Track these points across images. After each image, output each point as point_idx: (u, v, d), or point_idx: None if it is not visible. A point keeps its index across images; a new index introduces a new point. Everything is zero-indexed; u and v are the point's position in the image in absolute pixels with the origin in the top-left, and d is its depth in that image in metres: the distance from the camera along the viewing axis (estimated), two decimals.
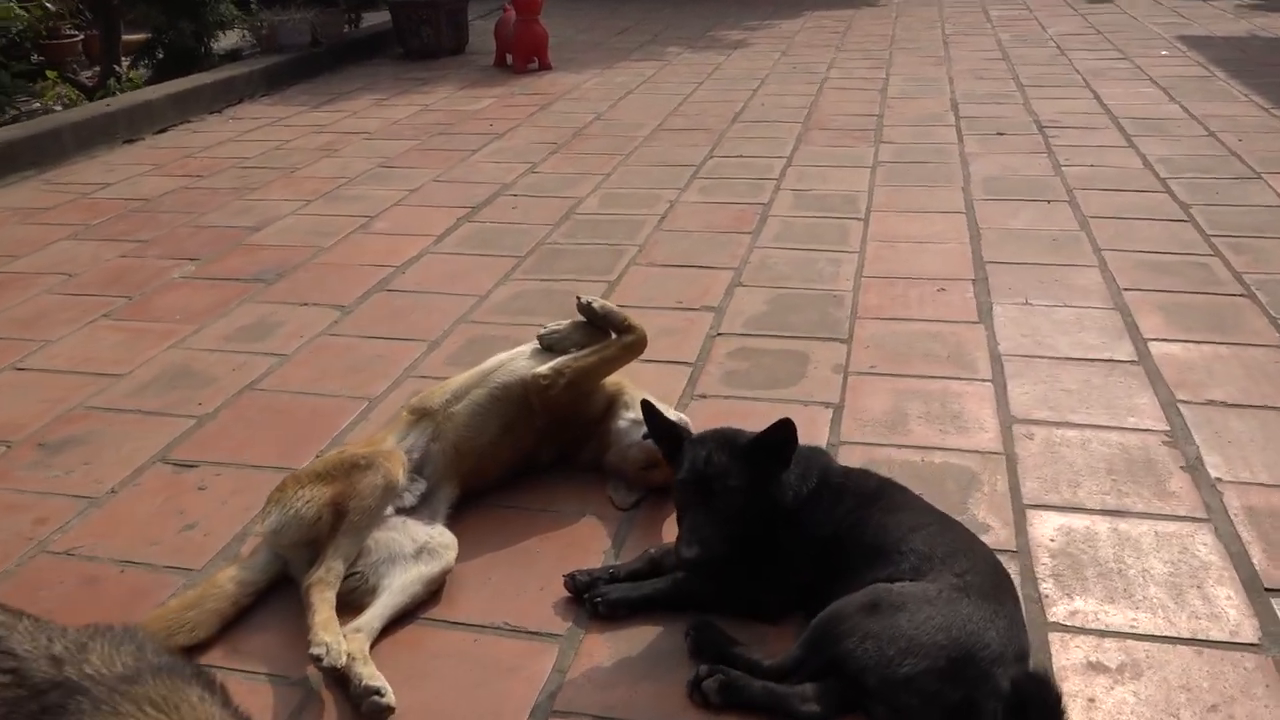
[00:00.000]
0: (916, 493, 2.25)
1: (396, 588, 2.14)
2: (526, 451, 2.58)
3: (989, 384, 3.04)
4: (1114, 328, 3.38)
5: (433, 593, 2.19)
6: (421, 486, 2.39)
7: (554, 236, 4.44)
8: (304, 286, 3.97)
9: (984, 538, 2.32)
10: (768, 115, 6.54)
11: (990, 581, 1.93)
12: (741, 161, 5.48)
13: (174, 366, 3.33)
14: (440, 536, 2.27)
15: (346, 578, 2.16)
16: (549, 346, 2.62)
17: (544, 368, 2.52)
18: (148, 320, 3.71)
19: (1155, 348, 3.23)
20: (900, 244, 4.21)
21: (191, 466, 2.74)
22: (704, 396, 3.03)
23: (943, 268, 3.94)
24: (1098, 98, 6.68)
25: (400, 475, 2.29)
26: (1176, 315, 3.45)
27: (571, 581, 2.19)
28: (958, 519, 2.37)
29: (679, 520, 2.11)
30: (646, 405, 2.26)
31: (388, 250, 4.32)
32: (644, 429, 2.45)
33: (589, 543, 2.38)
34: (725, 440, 2.15)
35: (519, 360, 2.59)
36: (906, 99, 6.86)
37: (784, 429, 2.09)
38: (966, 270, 3.91)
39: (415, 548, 2.23)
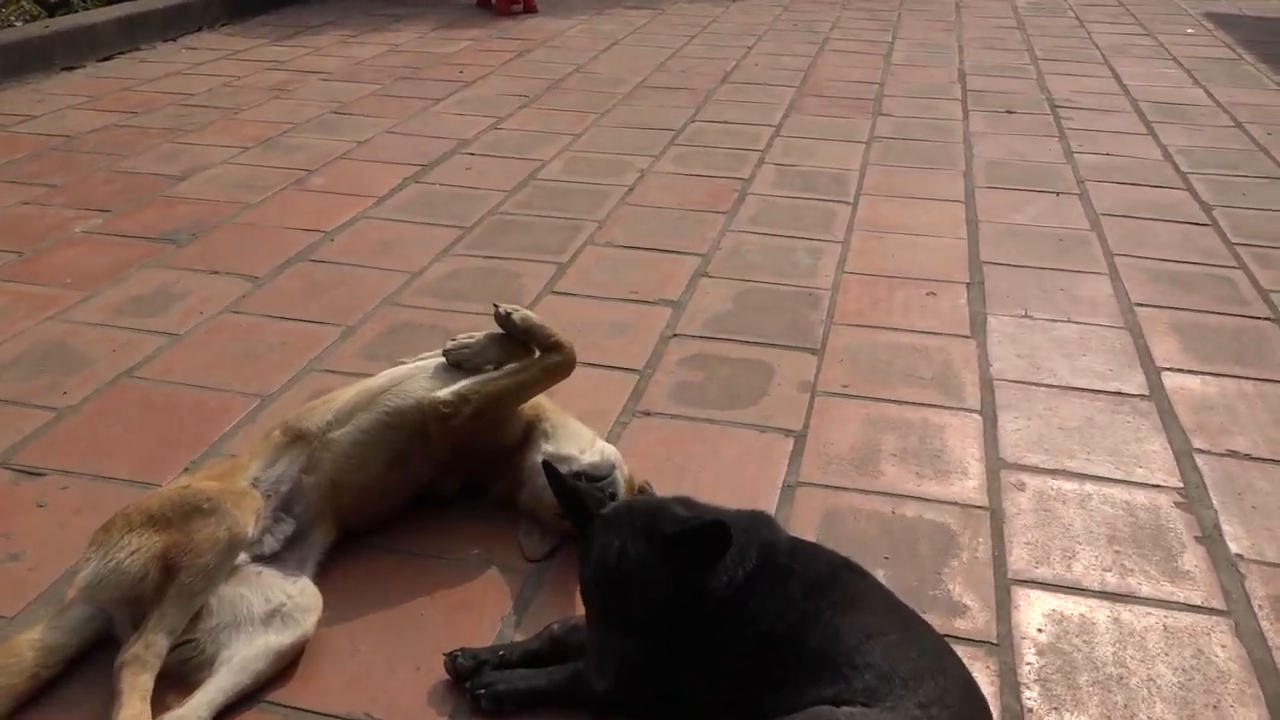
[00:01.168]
0: (878, 574, 1.85)
1: (237, 663, 1.75)
2: (421, 485, 2.17)
3: (976, 416, 2.64)
4: (1124, 351, 2.97)
5: (282, 669, 1.79)
6: (288, 528, 1.99)
7: (507, 205, 3.99)
8: (218, 250, 3.53)
9: (958, 622, 1.95)
10: (760, 77, 6.05)
11: (963, 716, 1.54)
12: (725, 128, 5.02)
13: (47, 343, 2.90)
14: (300, 596, 1.87)
15: (179, 645, 1.77)
16: (457, 364, 2.19)
17: (446, 392, 2.10)
18: (32, 283, 3.27)
19: (1169, 379, 2.82)
20: (890, 235, 3.78)
21: (37, 475, 2.33)
22: (648, 414, 2.62)
23: (934, 266, 3.52)
24: (1116, 76, 6.20)
25: (250, 526, 1.88)
26: (1195, 340, 3.04)
27: (452, 664, 1.80)
28: (932, 593, 1.99)
29: (587, 623, 1.72)
30: (546, 466, 1.85)
31: (320, 212, 3.88)
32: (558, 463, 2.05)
33: (486, 603, 1.98)
34: (644, 526, 1.71)
35: (418, 379, 2.16)
36: (912, 66, 6.37)
37: (716, 535, 1.67)
38: (961, 271, 3.49)
39: (267, 610, 1.83)
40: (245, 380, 2.72)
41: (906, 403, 2.69)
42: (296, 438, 2.09)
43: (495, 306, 2.23)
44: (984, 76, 6.15)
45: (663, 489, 2.14)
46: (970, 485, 2.36)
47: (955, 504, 2.29)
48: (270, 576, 1.89)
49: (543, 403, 2.25)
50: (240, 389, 2.68)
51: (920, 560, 2.12)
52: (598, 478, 2.05)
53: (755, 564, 1.75)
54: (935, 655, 1.64)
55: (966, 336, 3.05)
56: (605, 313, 3.13)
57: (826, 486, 2.35)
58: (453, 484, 2.20)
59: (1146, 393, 2.76)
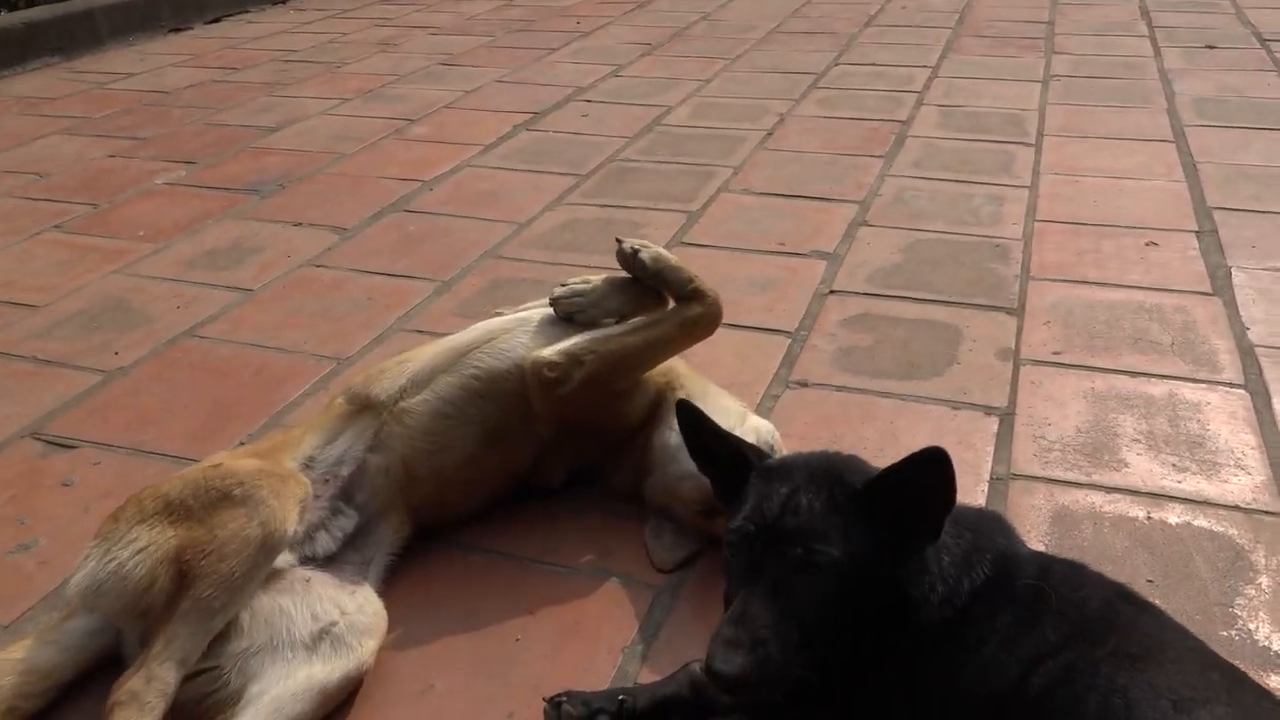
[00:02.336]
0: (1158, 603, 1.26)
1: (268, 704, 1.29)
2: (519, 473, 1.69)
3: (1242, 392, 2.01)
4: None
5: (327, 712, 1.32)
6: (349, 522, 1.53)
7: (628, 152, 3.49)
8: (304, 202, 3.13)
9: (1274, 679, 1.35)
10: (909, 19, 5.40)
11: None
12: (874, 71, 4.40)
13: (106, 299, 2.54)
14: (358, 614, 1.40)
15: (197, 675, 1.32)
16: (567, 316, 1.69)
17: (552, 350, 1.60)
18: (102, 235, 2.93)
19: None
20: (1086, 179, 3.13)
21: (68, 447, 1.94)
22: (804, 384, 2.08)
23: (1150, 213, 2.86)
24: None
25: (292, 521, 1.41)
26: None
27: (556, 713, 1.30)
28: (1224, 634, 1.41)
29: (726, 601, 1.18)
30: (684, 409, 1.33)
31: (420, 161, 3.45)
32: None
33: (603, 627, 1.48)
34: (825, 476, 1.21)
35: (518, 334, 1.66)
36: (1082, 5, 5.61)
37: (933, 465, 1.14)
38: (1185, 218, 2.82)
39: (314, 630, 1.36)
40: (321, 341, 2.29)
41: (1143, 374, 2.08)
42: (363, 407, 1.62)
43: (619, 242, 1.72)
44: (1171, 11, 5.35)
45: None
46: (1253, 484, 1.74)
47: (1237, 508, 1.68)
48: (322, 585, 1.43)
49: (677, 367, 1.74)
50: (314, 350, 2.25)
51: (1198, 586, 1.52)
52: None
53: (985, 579, 1.20)
54: None
55: (1208, 294, 2.40)
56: (746, 266, 2.60)
57: (1050, 480, 1.77)
58: (559, 470, 1.71)
59: None
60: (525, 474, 1.69)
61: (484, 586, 1.56)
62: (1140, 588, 1.50)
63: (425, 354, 1.67)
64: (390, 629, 1.47)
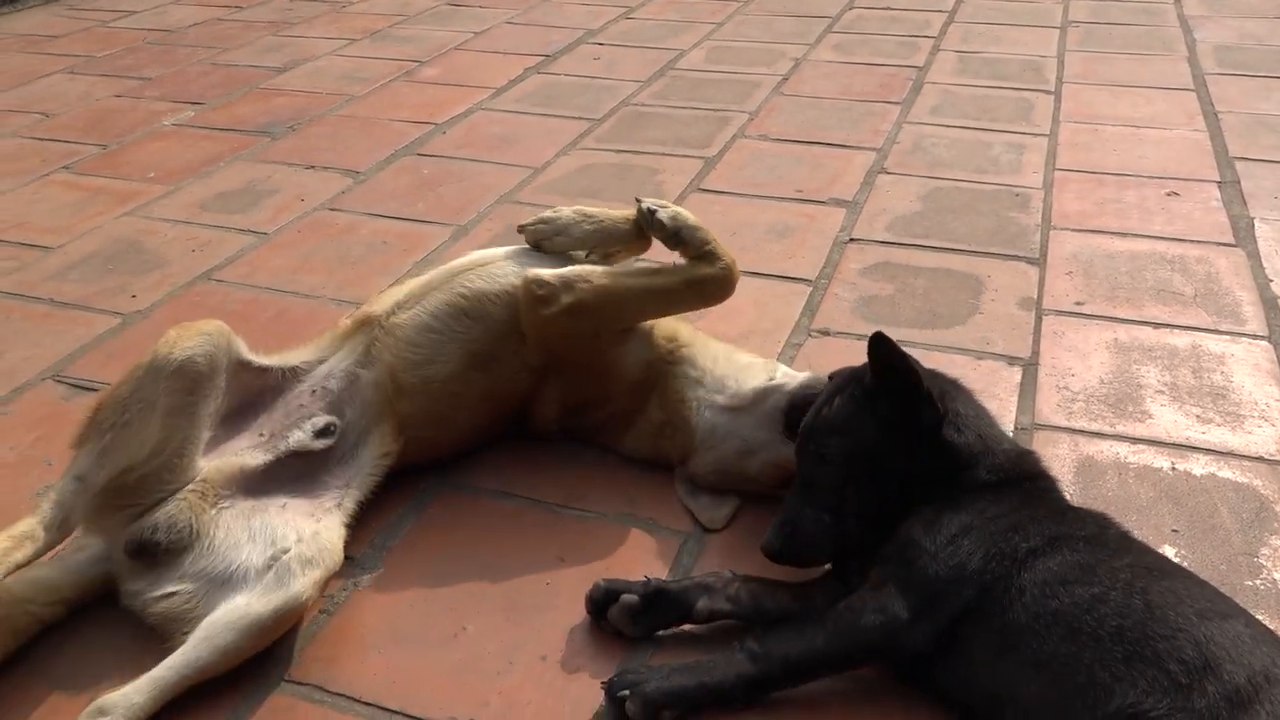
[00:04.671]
0: (1164, 552, 1.32)
1: (201, 632, 1.29)
2: (512, 405, 1.67)
3: (1265, 344, 2.01)
4: None
5: (261, 644, 1.32)
6: (330, 427, 1.54)
7: (641, 96, 3.44)
8: (316, 144, 3.10)
9: None
10: None
11: None
12: (890, 15, 4.33)
13: (119, 241, 2.52)
14: (311, 542, 1.38)
15: (169, 596, 1.34)
16: (535, 243, 1.70)
17: (548, 271, 1.59)
18: (112, 176, 2.90)
19: None
20: (1106, 126, 3.10)
21: (90, 389, 1.94)
22: (826, 333, 2.07)
23: (1171, 163, 2.84)
24: None
25: (182, 347, 1.43)
26: None
27: (593, 603, 1.38)
28: (1249, 583, 1.43)
29: None
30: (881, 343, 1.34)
31: (431, 103, 3.41)
32: (745, 415, 1.57)
33: (631, 572, 1.47)
34: (852, 378, 1.40)
35: (512, 261, 1.66)
36: None
37: (874, 346, 1.32)
38: (1207, 168, 2.80)
39: (268, 557, 1.36)
40: (338, 285, 2.28)
41: (1166, 325, 2.08)
42: (361, 324, 1.63)
43: (638, 202, 1.70)
44: None
45: None
46: (1277, 435, 1.75)
47: (1261, 459, 1.69)
48: (294, 511, 1.44)
49: (681, 332, 1.70)
50: (332, 294, 2.24)
51: (1223, 536, 1.53)
52: (815, 395, 1.50)
53: (1027, 477, 1.35)
54: None
55: (1230, 244, 2.39)
56: (764, 213, 2.58)
57: (1075, 430, 1.77)
58: (555, 416, 1.69)
59: None
60: (517, 410, 1.67)
61: (512, 532, 1.57)
62: (1165, 538, 1.52)
63: (423, 277, 1.68)
64: (424, 574, 1.48)
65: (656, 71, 3.68)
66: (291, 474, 1.49)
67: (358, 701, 1.29)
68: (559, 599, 1.44)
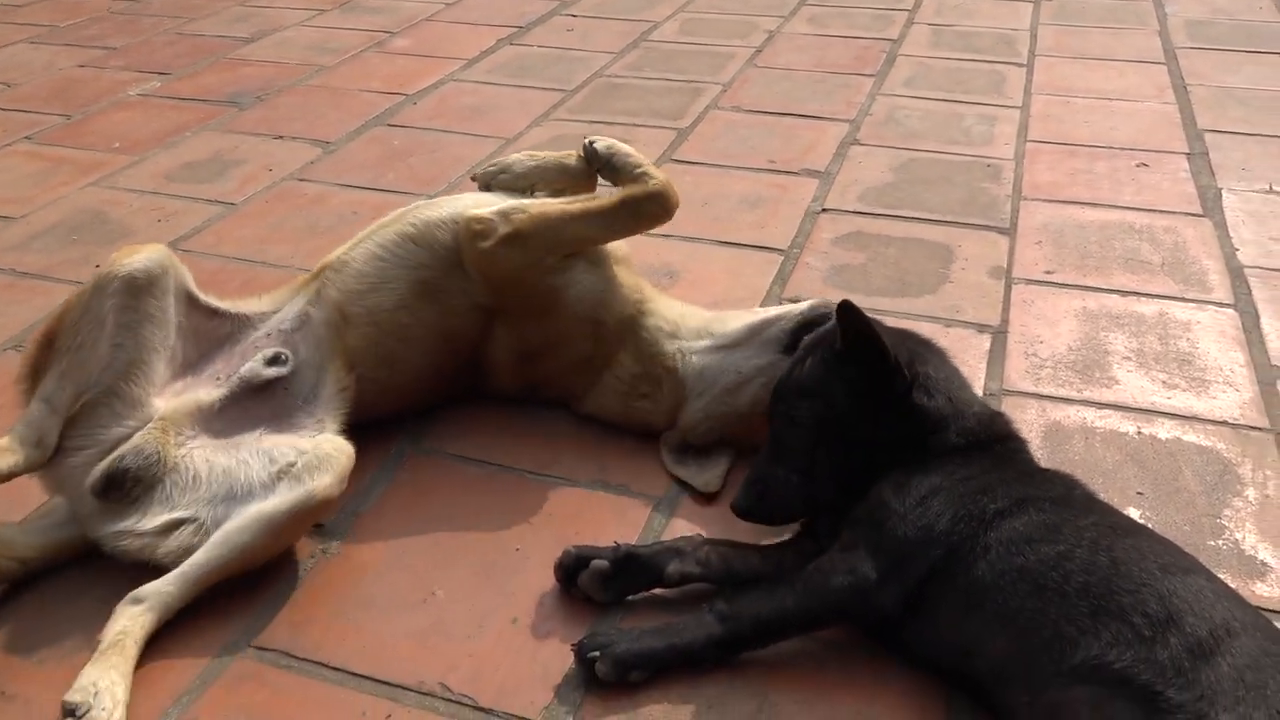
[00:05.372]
0: (1130, 514, 1.33)
1: (219, 536, 1.33)
2: (465, 350, 1.65)
3: (1231, 312, 2.03)
4: None
5: (277, 542, 1.36)
6: (282, 359, 1.55)
7: (615, 68, 3.42)
8: (285, 114, 3.06)
9: (1259, 587, 1.40)
10: None
11: None
12: None
13: (84, 211, 2.48)
14: (315, 451, 1.41)
15: (178, 526, 1.36)
16: (485, 185, 1.77)
17: (485, 208, 1.60)
18: (76, 147, 2.85)
19: None
20: (1078, 99, 3.11)
21: None
22: (798, 300, 2.07)
23: (1141, 135, 2.85)
24: None
25: (125, 263, 1.46)
26: None
27: (564, 569, 1.38)
28: (1212, 543, 1.45)
29: None
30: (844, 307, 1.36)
31: (402, 74, 3.37)
32: (738, 351, 1.59)
33: (602, 537, 1.47)
34: (821, 341, 1.41)
35: (462, 199, 1.68)
36: None
37: (841, 314, 1.32)
38: (1176, 140, 2.82)
39: (273, 472, 1.39)
40: (306, 254, 2.26)
41: (1134, 293, 2.09)
42: (317, 273, 1.64)
43: (586, 142, 1.74)
44: None
45: None
46: (1240, 400, 1.77)
47: (1225, 424, 1.71)
48: (277, 438, 1.45)
49: (645, 291, 1.70)
50: (300, 264, 2.22)
51: (1187, 498, 1.55)
52: (825, 317, 1.53)
53: (997, 439, 1.35)
54: (1267, 624, 1.09)
55: (1198, 215, 2.41)
56: (737, 184, 2.58)
57: (1043, 396, 1.79)
58: (507, 358, 1.66)
59: None
60: (472, 358, 1.65)
61: (482, 497, 1.56)
62: (1131, 500, 1.54)
63: (376, 222, 1.69)
64: (393, 540, 1.47)
65: (630, 43, 3.65)
66: (261, 412, 1.49)
67: (326, 667, 1.29)
68: (529, 564, 1.44)
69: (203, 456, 1.41)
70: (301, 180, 2.63)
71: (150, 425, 1.42)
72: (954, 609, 1.20)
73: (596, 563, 1.34)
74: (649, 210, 1.65)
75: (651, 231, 2.14)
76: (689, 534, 1.41)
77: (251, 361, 1.53)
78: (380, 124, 2.98)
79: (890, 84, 3.24)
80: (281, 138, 2.89)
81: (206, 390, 1.51)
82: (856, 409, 1.33)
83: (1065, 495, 1.27)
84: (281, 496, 1.35)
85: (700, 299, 1.94)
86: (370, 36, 3.76)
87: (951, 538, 1.22)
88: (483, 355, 1.66)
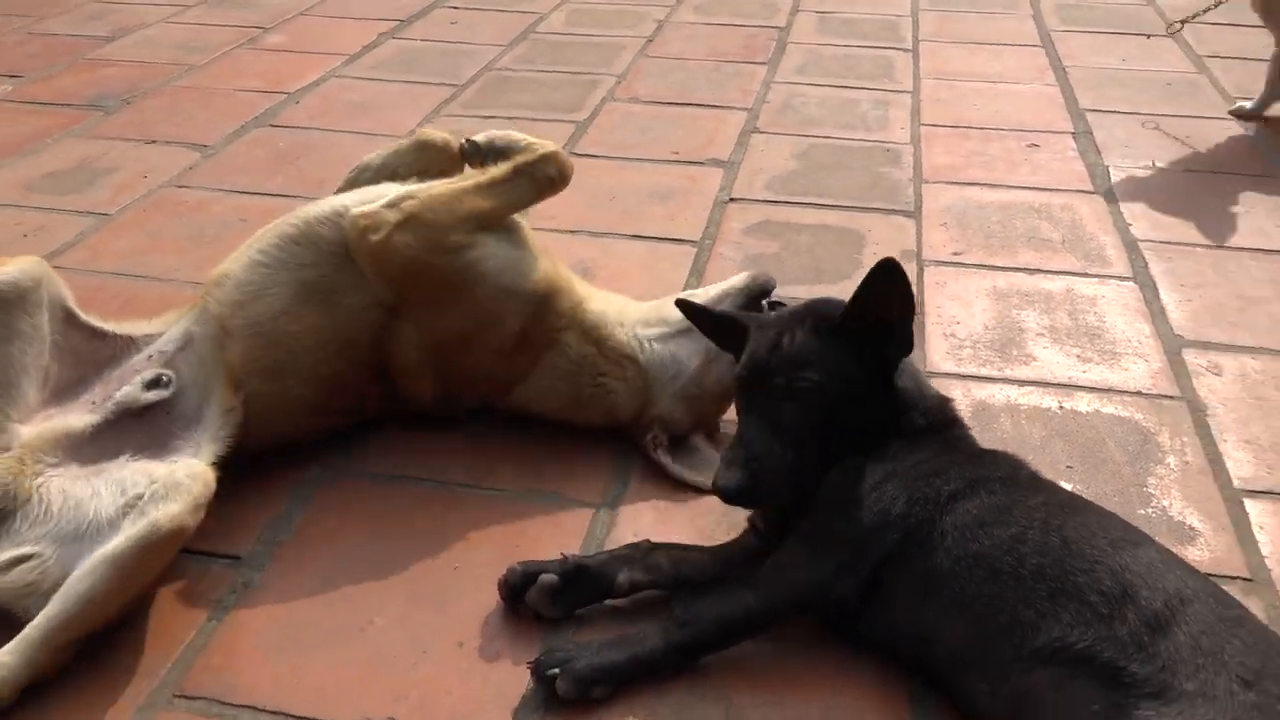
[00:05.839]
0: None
1: (63, 588, 1.20)
2: (366, 354, 1.51)
3: (1132, 285, 2.09)
4: None
5: (126, 586, 1.21)
6: (162, 382, 1.43)
7: (504, 60, 3.34)
8: (156, 117, 2.87)
9: (1190, 551, 1.43)
10: None
11: None
12: None
13: None
14: (167, 479, 1.28)
15: (15, 564, 1.23)
16: (350, 184, 1.67)
17: (372, 204, 1.49)
18: None
19: None
20: (964, 82, 3.18)
21: None
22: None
23: (1028, 115, 2.93)
24: None
25: (6, 270, 1.36)
26: None
27: (509, 587, 1.31)
28: (1142, 512, 1.49)
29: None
30: (682, 306, 1.45)
31: (280, 72, 3.21)
32: (693, 333, 1.53)
33: (541, 549, 1.42)
34: (806, 313, 1.33)
35: (344, 198, 1.56)
36: None
37: (886, 274, 1.25)
38: (1061, 120, 2.90)
39: (121, 505, 1.26)
40: (193, 265, 2.11)
41: (1040, 270, 2.14)
42: (203, 294, 1.52)
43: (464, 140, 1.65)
44: None
45: None
46: (1150, 370, 1.82)
47: (1140, 394, 1.76)
48: (139, 463, 1.34)
49: (575, 285, 1.62)
50: (187, 276, 2.08)
51: (1113, 468, 1.58)
52: (768, 289, 1.53)
53: (950, 420, 1.36)
54: (1214, 589, 1.11)
55: (1090, 192, 2.48)
56: (643, 176, 2.54)
57: (966, 376, 1.81)
58: (416, 358, 1.52)
59: None
60: (375, 364, 1.52)
61: (412, 516, 1.48)
62: (1061, 474, 1.57)
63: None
64: (320, 568, 1.38)
65: (517, 35, 3.57)
66: (134, 438, 1.38)
67: (261, 711, 1.19)
68: (469, 583, 1.37)
69: (59, 486, 1.29)
70: (181, 187, 2.47)
71: (7, 453, 1.31)
72: (911, 596, 1.19)
73: (545, 577, 1.28)
74: (544, 172, 1.56)
75: (561, 227, 2.11)
76: (635, 540, 1.36)
77: (129, 385, 1.42)
78: (261, 125, 2.83)
79: (783, 72, 3.25)
80: (154, 142, 2.71)
81: (79, 415, 1.39)
82: (853, 383, 1.28)
83: (1012, 475, 1.27)
84: (124, 533, 1.21)
85: (619, 294, 1.89)
86: (241, 33, 3.58)
87: (908, 520, 1.20)
88: (389, 360, 1.53)
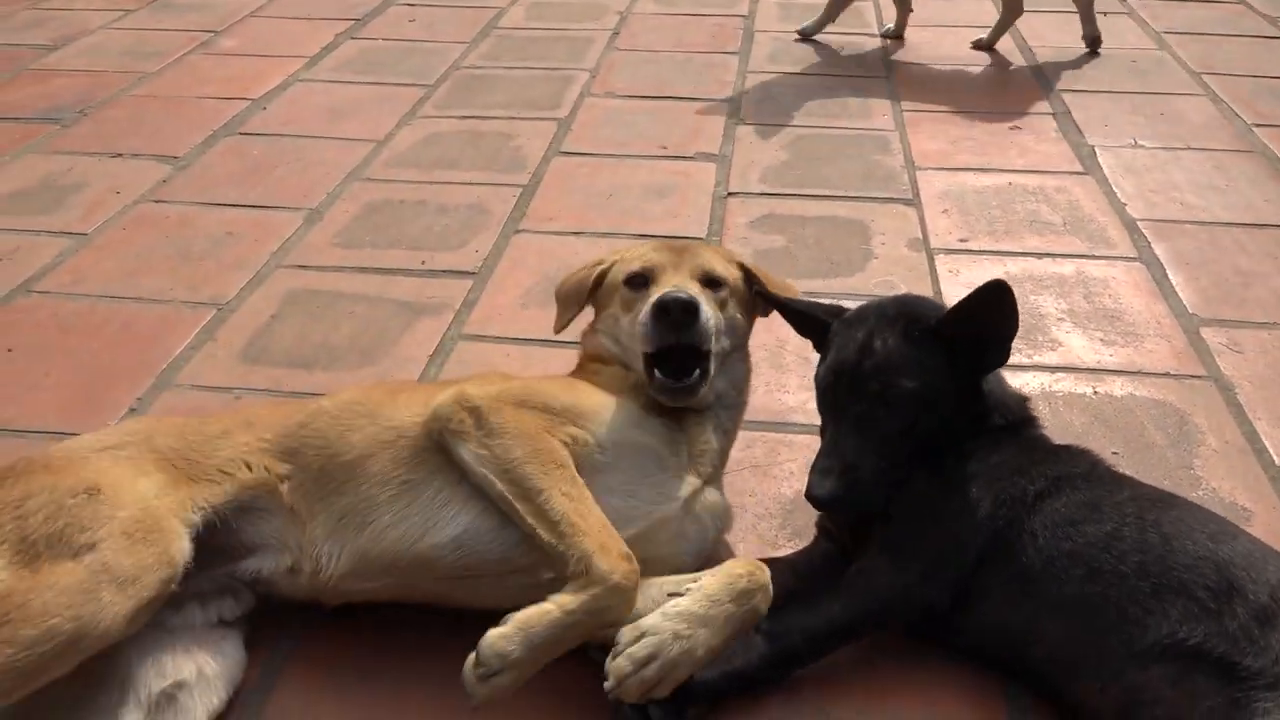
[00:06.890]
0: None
1: None
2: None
3: (1139, 265, 2.12)
4: (1272, 177, 2.47)
5: None
6: (241, 606, 1.28)
7: (471, 58, 3.26)
8: (118, 129, 2.75)
9: (1250, 529, 1.43)
10: None
11: None
12: None
13: None
14: (209, 664, 1.20)
15: None
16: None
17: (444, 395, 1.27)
18: None
19: None
20: (941, 66, 3.20)
21: None
22: None
23: (1006, 98, 2.96)
24: None
25: (118, 628, 1.08)
26: None
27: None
28: (1195, 494, 1.50)
29: (821, 436, 1.33)
30: (768, 300, 1.43)
31: (240, 77, 3.09)
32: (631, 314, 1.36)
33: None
34: (899, 316, 1.30)
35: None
36: None
37: (998, 294, 1.25)
38: (1039, 101, 2.93)
39: (160, 689, 1.16)
40: (190, 286, 2.02)
41: (1048, 254, 2.15)
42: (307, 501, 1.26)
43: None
44: None
45: (767, 384, 1.72)
46: (1173, 350, 1.84)
47: (1168, 375, 1.78)
48: (184, 637, 1.22)
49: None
50: (185, 297, 1.99)
51: (1158, 453, 1.60)
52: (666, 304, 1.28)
53: (1026, 420, 1.34)
54: None
55: (1081, 173, 2.51)
56: (636, 173, 2.49)
57: None
58: None
59: None
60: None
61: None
62: (1110, 460, 1.56)
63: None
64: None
65: (480, 32, 3.49)
66: None
67: None
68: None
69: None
70: (158, 202, 2.36)
71: None
72: (1003, 598, 1.18)
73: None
74: (599, 607, 1.13)
75: (564, 229, 2.10)
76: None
77: (202, 612, 1.25)
78: (230, 133, 2.72)
79: (756, 61, 3.23)
80: (120, 155, 2.59)
81: None
82: (945, 389, 1.26)
83: (1092, 470, 1.27)
84: None
85: None
86: (191, 37, 3.44)
87: (995, 522, 1.19)
88: None
